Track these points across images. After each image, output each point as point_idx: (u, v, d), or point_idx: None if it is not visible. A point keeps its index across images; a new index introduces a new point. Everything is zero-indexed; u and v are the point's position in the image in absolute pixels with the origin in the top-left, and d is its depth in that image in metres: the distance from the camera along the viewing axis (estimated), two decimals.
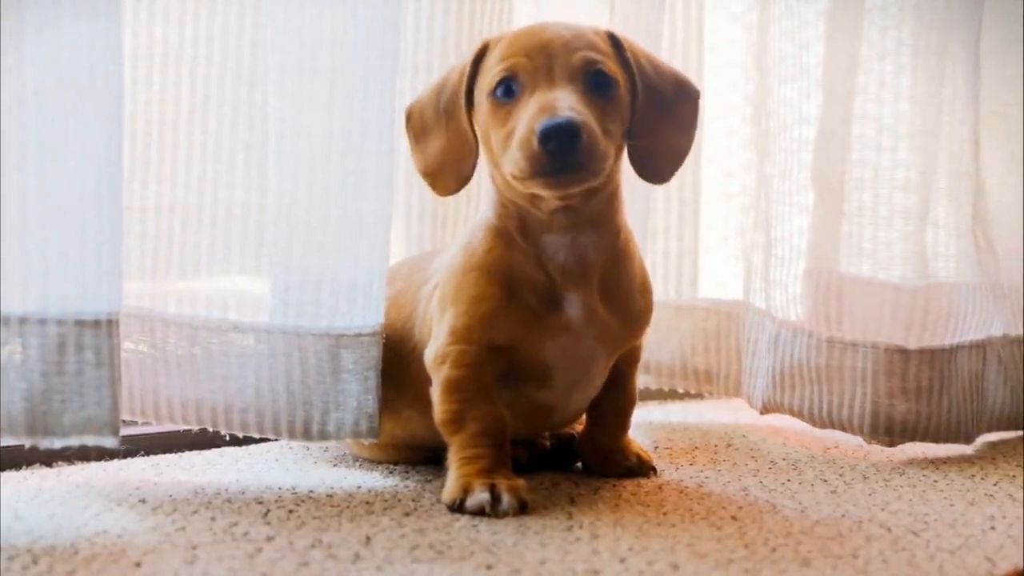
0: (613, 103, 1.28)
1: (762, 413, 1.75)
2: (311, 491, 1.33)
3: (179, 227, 1.40)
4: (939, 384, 1.65)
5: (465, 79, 1.32)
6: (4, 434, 1.16)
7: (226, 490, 1.33)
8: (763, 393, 1.73)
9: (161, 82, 1.40)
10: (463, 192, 1.66)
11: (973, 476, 1.52)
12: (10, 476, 1.37)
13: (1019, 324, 1.81)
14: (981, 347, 1.71)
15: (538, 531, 1.18)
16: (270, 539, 1.13)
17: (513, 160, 1.23)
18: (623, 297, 1.36)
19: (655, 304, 1.44)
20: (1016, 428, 1.80)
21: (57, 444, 1.17)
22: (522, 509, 1.25)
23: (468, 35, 1.65)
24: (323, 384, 1.37)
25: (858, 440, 1.68)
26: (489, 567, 1.06)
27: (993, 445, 1.74)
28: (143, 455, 1.49)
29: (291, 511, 1.24)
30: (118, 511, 1.22)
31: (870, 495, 1.39)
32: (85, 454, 1.43)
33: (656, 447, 1.63)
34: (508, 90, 1.27)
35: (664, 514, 1.27)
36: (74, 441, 1.18)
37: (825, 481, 1.46)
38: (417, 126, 1.37)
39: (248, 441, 1.52)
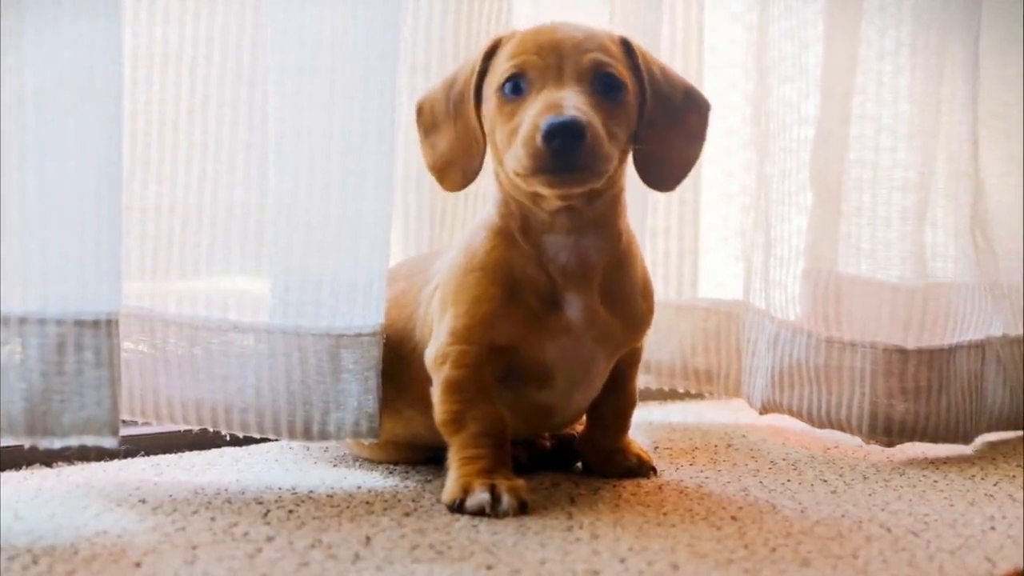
0: (620, 106, 1.28)
1: (761, 413, 1.75)
2: (311, 491, 1.33)
3: (179, 227, 1.40)
4: (938, 384, 1.65)
5: (475, 75, 1.32)
6: (4, 434, 1.16)
7: (226, 490, 1.33)
8: (762, 393, 1.73)
9: (161, 82, 1.40)
10: (462, 193, 1.67)
11: (973, 476, 1.52)
12: (10, 476, 1.37)
13: (1018, 324, 1.81)
14: (980, 347, 1.71)
15: (538, 531, 1.18)
16: (270, 539, 1.13)
17: (516, 156, 1.23)
18: (624, 299, 1.36)
19: (656, 304, 1.44)
20: (1015, 428, 1.80)
21: (57, 444, 1.17)
22: (522, 509, 1.25)
23: (466, 35, 1.65)
24: (323, 384, 1.37)
25: (857, 440, 1.68)
26: (489, 567, 1.06)
27: (993, 445, 1.74)
28: (143, 455, 1.49)
29: (291, 511, 1.24)
30: (118, 511, 1.22)
31: (870, 495, 1.39)
32: (85, 454, 1.43)
33: (656, 447, 1.63)
34: (516, 87, 1.27)
35: (664, 514, 1.27)
36: (74, 441, 1.18)
37: (825, 481, 1.46)
38: (428, 121, 1.37)
39: (248, 441, 1.52)
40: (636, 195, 1.67)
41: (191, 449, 1.53)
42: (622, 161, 1.32)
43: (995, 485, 1.47)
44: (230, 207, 1.40)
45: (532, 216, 1.32)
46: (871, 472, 1.53)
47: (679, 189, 1.84)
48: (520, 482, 1.28)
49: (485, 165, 1.34)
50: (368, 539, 1.14)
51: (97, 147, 1.18)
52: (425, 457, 1.45)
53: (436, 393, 1.33)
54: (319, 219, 1.36)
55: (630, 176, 1.36)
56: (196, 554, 1.08)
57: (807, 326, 1.69)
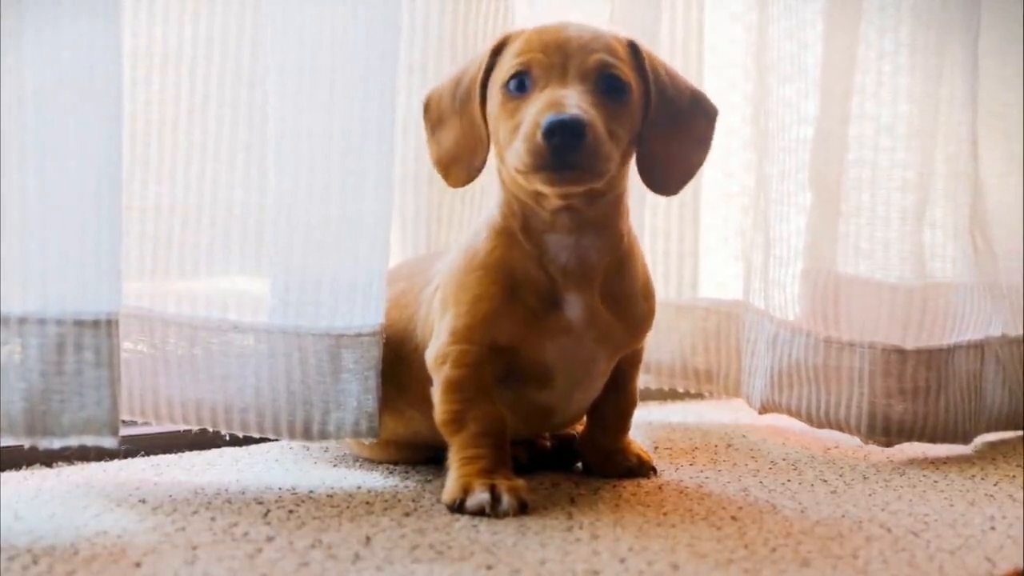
0: (623, 108, 1.28)
1: (760, 413, 1.75)
2: (311, 491, 1.33)
3: (179, 227, 1.40)
4: (936, 384, 1.65)
5: (482, 71, 1.32)
6: (4, 434, 1.16)
7: (226, 490, 1.32)
8: (761, 393, 1.73)
9: (161, 82, 1.40)
10: (460, 193, 1.67)
11: (973, 476, 1.52)
12: (10, 476, 1.37)
13: (1018, 324, 1.81)
14: (979, 347, 1.71)
15: (538, 531, 1.18)
16: (270, 539, 1.13)
17: (517, 153, 1.23)
18: (625, 301, 1.36)
19: (656, 304, 1.43)
20: (1014, 428, 1.80)
21: (56, 444, 1.17)
22: (522, 509, 1.25)
23: (464, 35, 1.65)
24: (323, 384, 1.37)
25: (857, 440, 1.68)
26: (489, 567, 1.06)
27: (993, 445, 1.74)
28: (143, 455, 1.49)
29: (291, 511, 1.24)
30: (118, 511, 1.22)
31: (870, 495, 1.39)
32: (85, 454, 1.42)
33: (656, 447, 1.63)
34: (521, 84, 1.27)
35: (664, 514, 1.27)
36: (73, 441, 1.18)
37: (825, 481, 1.46)
38: (434, 116, 1.37)
39: (248, 441, 1.52)
40: (636, 195, 1.67)
41: (191, 449, 1.53)
42: (624, 163, 1.32)
43: (995, 485, 1.47)
44: (230, 207, 1.40)
45: (533, 215, 1.32)
46: (871, 472, 1.53)
47: None
48: (520, 482, 1.28)
49: (489, 163, 1.34)
50: (368, 539, 1.14)
51: (97, 147, 1.18)
52: (425, 457, 1.45)
53: (436, 393, 1.33)
54: (319, 219, 1.36)
55: (633, 176, 1.36)
56: (196, 554, 1.08)
57: (806, 326, 1.69)
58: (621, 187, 1.34)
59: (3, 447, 1.37)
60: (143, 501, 1.26)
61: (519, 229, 1.33)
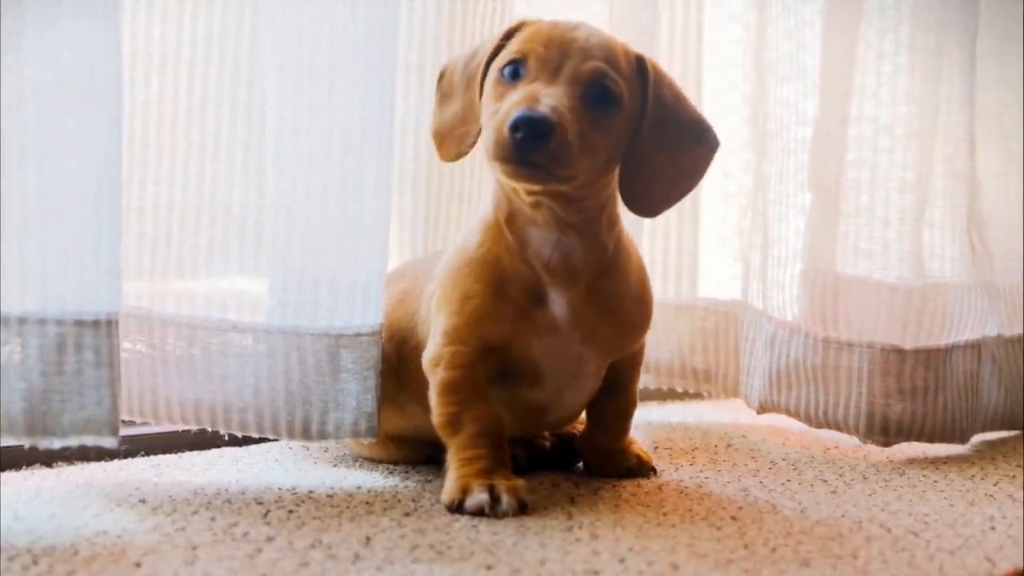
0: (609, 120, 1.26)
1: (759, 413, 1.75)
2: (311, 491, 1.33)
3: (177, 227, 1.40)
4: (934, 384, 1.66)
5: (490, 52, 1.32)
6: (4, 434, 1.16)
7: (226, 490, 1.32)
8: (760, 393, 1.73)
9: (159, 82, 1.39)
10: (459, 194, 1.67)
11: (973, 476, 1.52)
12: (10, 476, 1.37)
13: (1014, 324, 1.81)
14: (976, 347, 1.72)
15: (538, 531, 1.18)
16: (270, 539, 1.13)
17: (486, 138, 1.23)
18: (614, 306, 1.35)
19: (655, 304, 1.43)
20: (1011, 428, 1.81)
21: (57, 444, 1.17)
22: (521, 509, 1.25)
23: (461, 36, 1.65)
24: (322, 384, 1.37)
25: (856, 440, 1.68)
26: (489, 567, 1.06)
27: (992, 445, 1.74)
28: (143, 455, 1.49)
29: (291, 511, 1.24)
30: (118, 511, 1.22)
31: (870, 495, 1.39)
32: (85, 454, 1.42)
33: (656, 447, 1.63)
34: (515, 72, 1.27)
35: (664, 514, 1.27)
36: (74, 441, 1.18)
37: (825, 481, 1.46)
38: (445, 87, 1.37)
39: (248, 441, 1.52)
40: None
41: (191, 449, 1.52)
42: (605, 174, 1.30)
43: (995, 485, 1.47)
44: (229, 207, 1.40)
45: (518, 208, 1.32)
46: (871, 472, 1.53)
47: None
48: (519, 482, 1.28)
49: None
50: (368, 539, 1.14)
51: (97, 147, 1.18)
52: (425, 457, 1.45)
53: (432, 396, 1.33)
54: (318, 219, 1.36)
55: None
56: (196, 554, 1.08)
57: (804, 326, 1.69)
58: (602, 198, 1.32)
59: (3, 447, 1.37)
60: (143, 501, 1.26)
61: (504, 222, 1.32)
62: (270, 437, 1.40)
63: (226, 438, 1.46)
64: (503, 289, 1.31)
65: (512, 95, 1.24)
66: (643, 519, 1.25)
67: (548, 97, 1.22)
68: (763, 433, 1.77)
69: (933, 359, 1.66)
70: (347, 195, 1.36)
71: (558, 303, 1.32)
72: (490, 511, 1.23)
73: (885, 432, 1.64)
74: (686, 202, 1.82)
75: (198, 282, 1.41)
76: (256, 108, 1.40)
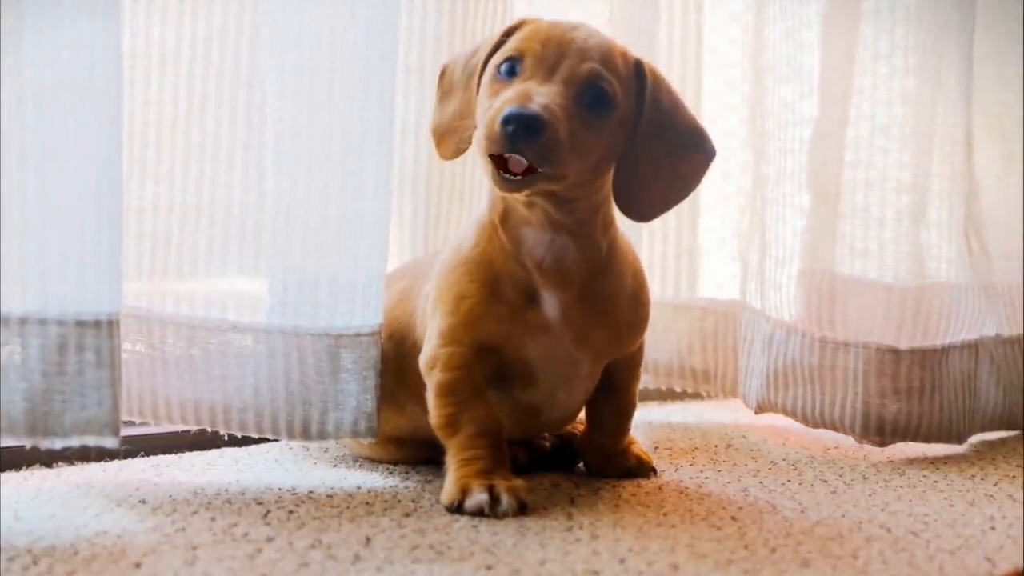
0: (603, 122, 1.26)
1: (757, 412, 1.75)
2: (311, 492, 1.33)
3: (177, 227, 1.40)
4: (930, 384, 1.66)
5: (489, 50, 1.32)
6: (4, 434, 1.16)
7: (226, 491, 1.32)
8: (758, 393, 1.73)
9: (159, 82, 1.39)
10: (458, 195, 1.68)
11: (973, 476, 1.52)
12: (10, 476, 1.37)
13: (1012, 324, 1.81)
14: (973, 347, 1.72)
15: (538, 532, 1.18)
16: (270, 540, 1.13)
17: (479, 133, 1.23)
18: (608, 308, 1.35)
19: (654, 304, 1.43)
20: (1009, 428, 1.81)
21: (58, 444, 1.17)
22: (521, 510, 1.25)
23: (461, 36, 1.65)
24: (322, 384, 1.37)
25: (855, 440, 1.68)
26: (489, 568, 1.06)
27: (992, 445, 1.74)
28: (143, 456, 1.49)
29: (291, 512, 1.24)
30: (118, 512, 1.22)
31: (870, 496, 1.39)
32: (85, 454, 1.42)
33: (656, 447, 1.63)
34: (511, 69, 1.27)
35: (664, 515, 1.27)
36: (75, 441, 1.17)
37: (825, 482, 1.46)
38: (446, 84, 1.37)
39: (248, 441, 1.52)
40: None
41: (191, 449, 1.52)
42: (597, 177, 1.30)
43: (995, 485, 1.47)
44: (228, 207, 1.40)
45: (512, 209, 1.32)
46: (871, 472, 1.53)
47: None
48: (519, 482, 1.28)
49: None
50: (368, 539, 1.14)
51: (97, 147, 1.18)
52: (425, 457, 1.45)
53: (430, 397, 1.33)
54: (318, 219, 1.36)
55: None
56: (196, 554, 1.08)
57: (801, 326, 1.69)
58: (596, 199, 1.32)
59: (3, 447, 1.37)
60: (143, 501, 1.26)
61: (499, 222, 1.32)
62: (270, 437, 1.40)
63: (226, 438, 1.46)
64: (497, 289, 1.31)
65: (506, 92, 1.24)
66: (643, 519, 1.25)
67: (541, 95, 1.21)
68: (763, 433, 1.77)
69: (929, 359, 1.66)
70: (347, 195, 1.36)
71: (550, 303, 1.32)
72: (490, 511, 1.23)
73: (881, 432, 1.64)
74: (686, 203, 1.83)
75: (198, 282, 1.41)
76: (256, 108, 1.40)
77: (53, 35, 1.16)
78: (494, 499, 1.24)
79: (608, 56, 1.28)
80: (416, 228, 1.66)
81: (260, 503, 1.27)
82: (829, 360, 1.67)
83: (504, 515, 1.23)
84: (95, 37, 1.18)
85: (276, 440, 1.52)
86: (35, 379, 1.16)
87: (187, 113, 1.40)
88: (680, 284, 1.89)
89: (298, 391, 1.37)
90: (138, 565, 1.04)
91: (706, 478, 1.45)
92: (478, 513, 1.23)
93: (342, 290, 1.37)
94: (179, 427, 1.44)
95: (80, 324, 1.17)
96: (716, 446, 1.66)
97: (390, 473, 1.44)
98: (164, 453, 1.51)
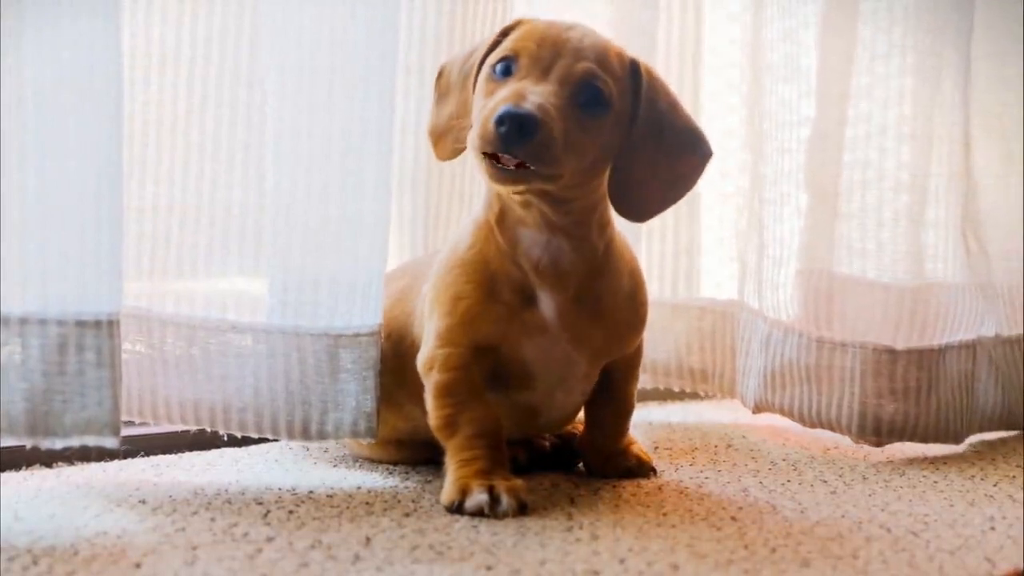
0: (598, 122, 1.26)
1: (754, 412, 1.75)
2: (311, 492, 1.33)
3: (177, 227, 1.40)
4: (927, 384, 1.66)
5: (485, 50, 1.32)
6: (5, 434, 1.16)
7: (226, 491, 1.32)
8: (755, 393, 1.73)
9: (159, 82, 1.39)
10: (458, 195, 1.67)
11: (973, 477, 1.52)
12: (10, 476, 1.37)
13: (1012, 324, 1.81)
14: (971, 347, 1.72)
15: (538, 532, 1.18)
16: (270, 540, 1.13)
17: (473, 132, 1.23)
18: (604, 309, 1.35)
19: (652, 304, 1.43)
20: (1009, 428, 1.81)
21: (58, 444, 1.17)
22: (521, 510, 1.25)
23: (462, 37, 1.65)
24: (321, 384, 1.37)
25: None
26: (489, 568, 1.06)
27: (992, 445, 1.74)
28: (143, 456, 1.49)
29: (291, 512, 1.24)
30: (118, 512, 1.22)
31: (870, 496, 1.39)
32: (85, 454, 1.42)
33: (656, 447, 1.63)
34: (507, 69, 1.26)
35: (664, 515, 1.27)
36: (75, 441, 1.18)
37: (825, 482, 1.46)
38: (443, 86, 1.37)
39: (248, 441, 1.52)
40: None
41: (191, 449, 1.52)
42: (593, 177, 1.30)
43: (995, 485, 1.47)
44: (228, 207, 1.40)
45: (508, 208, 1.32)
46: (871, 472, 1.53)
47: None
48: (519, 482, 1.28)
49: None
50: (368, 540, 1.14)
51: (97, 147, 1.18)
52: (425, 458, 1.45)
53: (428, 399, 1.33)
54: (318, 219, 1.36)
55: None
56: (196, 554, 1.08)
57: (799, 326, 1.69)
58: (592, 199, 1.32)
59: (3, 447, 1.37)
60: (143, 501, 1.26)
61: (495, 222, 1.32)
62: (270, 437, 1.40)
63: (226, 438, 1.46)
64: (494, 290, 1.31)
65: (501, 91, 1.24)
66: (643, 519, 1.25)
67: (535, 95, 1.21)
68: (763, 433, 1.77)
69: (926, 359, 1.66)
70: (347, 195, 1.36)
71: (547, 304, 1.32)
72: (490, 511, 1.23)
73: (877, 432, 1.65)
74: (685, 203, 1.83)
75: (198, 282, 1.41)
76: (256, 108, 1.40)
77: (53, 35, 1.16)
78: (494, 499, 1.24)
79: (603, 56, 1.28)
80: (416, 228, 1.66)
81: (260, 503, 1.27)
82: (826, 360, 1.67)
83: (504, 515, 1.23)
84: (95, 37, 1.18)
85: (276, 440, 1.52)
86: (35, 379, 1.16)
87: (187, 113, 1.40)
88: (678, 284, 1.89)
89: (298, 391, 1.37)
90: (138, 565, 1.04)
91: (706, 478, 1.45)
92: (478, 513, 1.23)
93: (342, 290, 1.37)
94: (179, 427, 1.44)
95: (80, 324, 1.17)
96: (716, 446, 1.66)
97: (390, 473, 1.44)
98: (164, 453, 1.51)
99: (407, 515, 1.24)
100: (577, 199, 1.30)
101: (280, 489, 1.34)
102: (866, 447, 1.68)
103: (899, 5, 1.69)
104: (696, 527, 1.22)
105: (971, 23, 1.73)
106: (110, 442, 1.19)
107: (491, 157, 1.21)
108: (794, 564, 1.10)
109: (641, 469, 1.45)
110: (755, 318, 1.75)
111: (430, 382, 1.33)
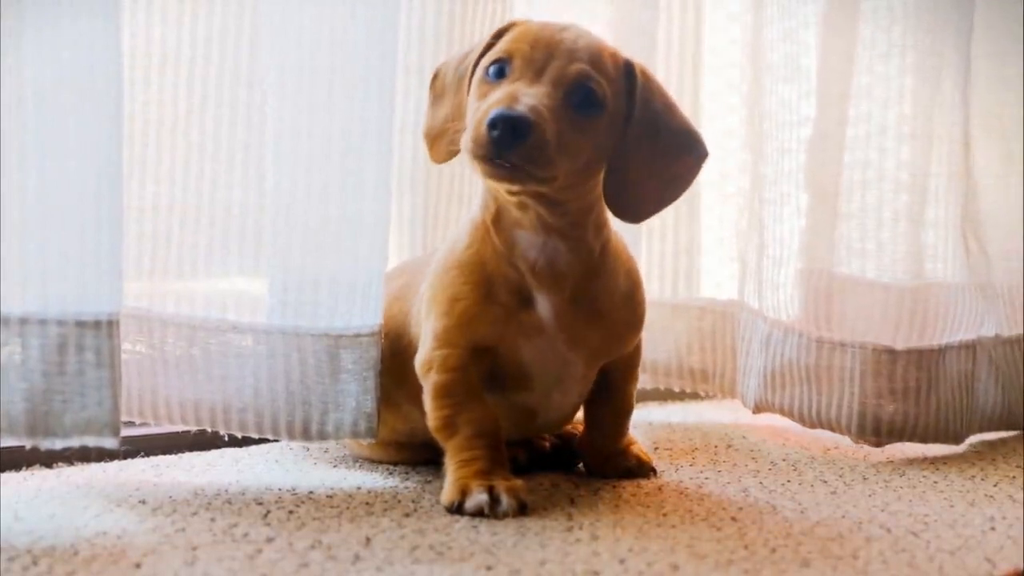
0: (592, 123, 1.26)
1: (754, 412, 1.75)
2: (311, 492, 1.33)
3: (177, 227, 1.40)
4: (927, 384, 1.66)
5: (479, 52, 1.32)
6: (5, 434, 1.16)
7: (226, 491, 1.32)
8: (755, 393, 1.73)
9: (159, 82, 1.39)
10: (457, 196, 1.67)
11: (973, 477, 1.52)
12: (10, 476, 1.37)
13: (1012, 325, 1.81)
14: (971, 347, 1.72)
15: (538, 532, 1.18)
16: (270, 540, 1.13)
17: (466, 136, 1.23)
18: (601, 310, 1.35)
19: (652, 304, 1.43)
20: (1009, 428, 1.81)
21: (58, 445, 1.17)
22: (521, 510, 1.25)
23: (461, 37, 1.65)
24: (322, 384, 1.37)
25: None
26: (489, 568, 1.06)
27: (992, 446, 1.74)
28: (143, 456, 1.49)
29: (291, 512, 1.24)
30: (118, 512, 1.22)
31: (870, 496, 1.39)
32: (85, 454, 1.42)
33: (656, 447, 1.63)
34: (500, 71, 1.26)
35: (664, 515, 1.27)
36: (75, 442, 1.18)
37: (825, 482, 1.46)
38: (438, 88, 1.37)
39: (248, 442, 1.52)
40: None
41: (191, 450, 1.52)
42: (588, 177, 1.30)
43: (995, 486, 1.47)
44: (228, 207, 1.40)
45: (504, 210, 1.32)
46: (871, 473, 1.53)
47: None
48: (518, 482, 1.28)
49: None
50: (368, 540, 1.14)
51: (97, 147, 1.18)
52: (425, 458, 1.45)
53: (427, 400, 1.33)
54: (318, 219, 1.36)
55: None
56: (196, 555, 1.08)
57: (799, 326, 1.70)
58: (588, 201, 1.32)
59: (3, 447, 1.37)
60: (143, 502, 1.26)
61: (492, 223, 1.32)
62: (270, 438, 1.40)
63: (226, 438, 1.46)
64: (491, 291, 1.31)
65: (495, 93, 1.24)
66: (643, 519, 1.25)
67: (528, 96, 1.21)
68: (763, 434, 1.77)
69: (925, 359, 1.66)
70: (347, 195, 1.36)
71: (544, 306, 1.32)
72: (490, 512, 1.23)
73: (877, 432, 1.65)
74: (684, 203, 1.83)
75: (198, 282, 1.41)
76: (256, 108, 1.40)
77: (53, 35, 1.16)
78: (494, 499, 1.24)
79: (597, 57, 1.28)
80: (415, 228, 1.66)
81: (260, 503, 1.27)
82: (826, 360, 1.67)
83: (504, 515, 1.23)
84: (95, 37, 1.18)
85: (276, 440, 1.52)
86: (35, 379, 1.16)
87: (187, 113, 1.40)
88: (678, 284, 1.89)
89: (298, 391, 1.37)
90: (138, 565, 1.04)
91: (706, 478, 1.45)
92: (478, 513, 1.23)
93: (342, 290, 1.37)
94: (179, 427, 1.44)
95: (80, 324, 1.17)
96: (716, 446, 1.66)
97: (390, 473, 1.44)
98: (164, 453, 1.51)
99: (407, 515, 1.24)
100: (572, 200, 1.30)
101: (280, 489, 1.34)
102: (866, 447, 1.68)
103: (899, 5, 1.69)
104: (696, 527, 1.22)
105: (971, 23, 1.73)
106: (110, 442, 1.19)
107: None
108: (794, 564, 1.10)
109: (641, 469, 1.45)
110: (755, 318, 1.75)
111: (428, 383, 1.33)
